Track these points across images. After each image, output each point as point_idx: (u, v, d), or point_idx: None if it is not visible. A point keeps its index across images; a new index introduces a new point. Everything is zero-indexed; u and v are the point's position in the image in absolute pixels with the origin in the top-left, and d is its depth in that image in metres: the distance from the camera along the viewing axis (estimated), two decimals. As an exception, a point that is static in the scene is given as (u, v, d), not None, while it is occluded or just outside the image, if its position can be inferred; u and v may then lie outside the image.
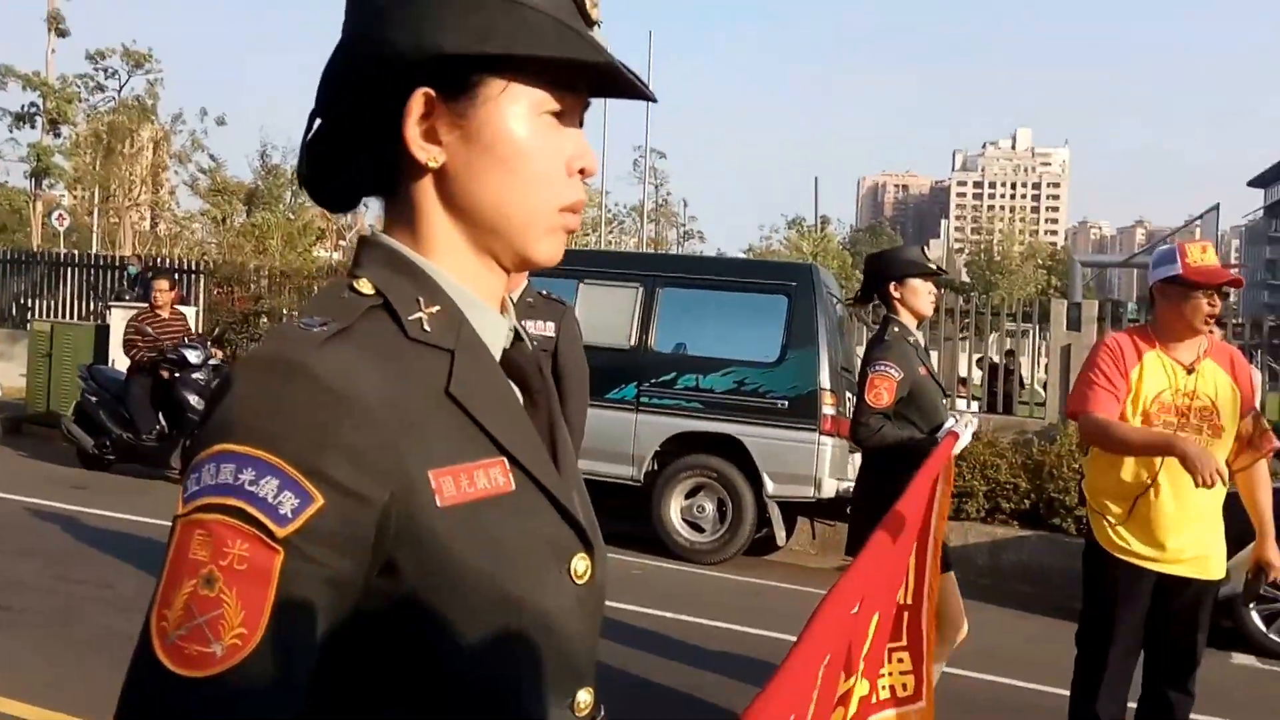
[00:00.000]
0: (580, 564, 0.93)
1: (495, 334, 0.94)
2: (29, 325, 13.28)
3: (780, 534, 8.19)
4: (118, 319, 11.67)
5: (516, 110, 0.90)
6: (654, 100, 0.96)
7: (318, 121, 0.94)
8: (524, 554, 0.88)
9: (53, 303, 16.50)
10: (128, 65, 34.43)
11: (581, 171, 0.94)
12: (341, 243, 30.37)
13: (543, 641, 0.89)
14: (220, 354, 10.09)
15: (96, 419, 9.56)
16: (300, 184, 1.00)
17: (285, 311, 13.25)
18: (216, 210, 31.72)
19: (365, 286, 0.89)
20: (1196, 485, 3.12)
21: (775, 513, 8.08)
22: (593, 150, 0.96)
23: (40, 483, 8.75)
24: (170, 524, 0.79)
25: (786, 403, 7.96)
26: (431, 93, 0.88)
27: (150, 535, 7.14)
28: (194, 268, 15.36)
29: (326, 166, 0.95)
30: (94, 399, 9.65)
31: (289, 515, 0.76)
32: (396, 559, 0.81)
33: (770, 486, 7.95)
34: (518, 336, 0.98)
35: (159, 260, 17.16)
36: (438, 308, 0.89)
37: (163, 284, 9.84)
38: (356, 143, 0.93)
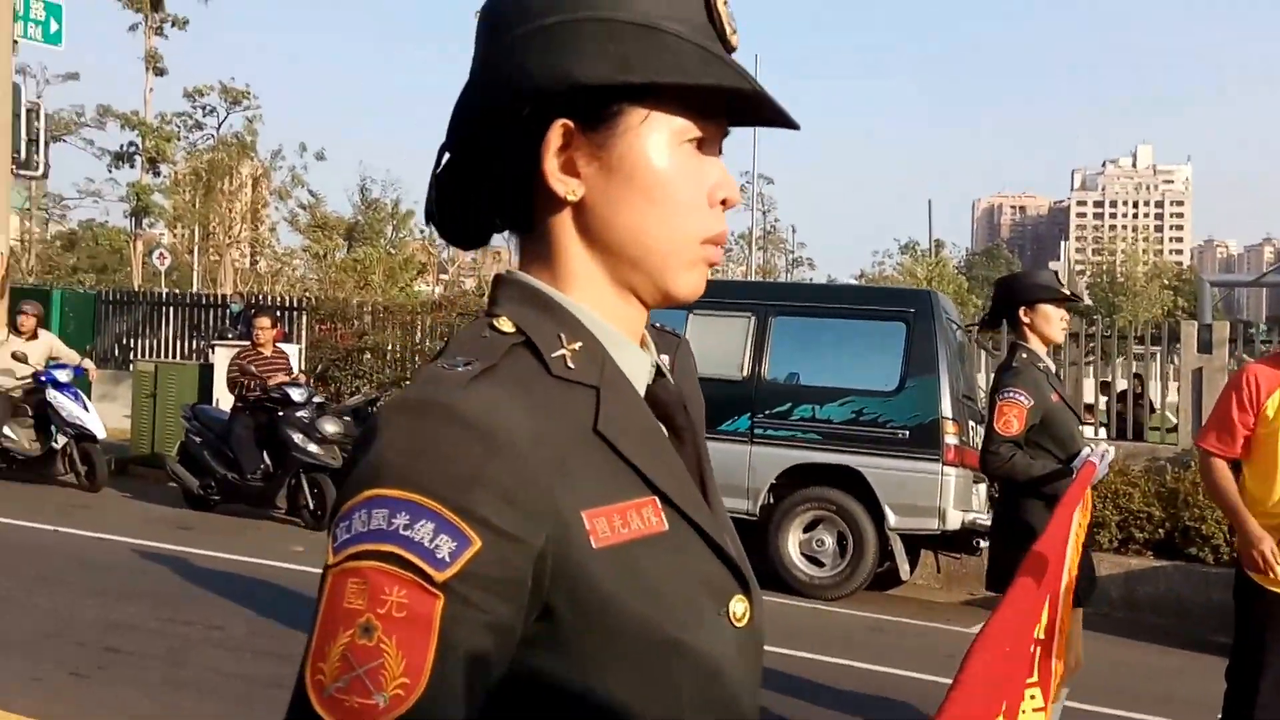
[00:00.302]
0: (738, 606, 0.92)
1: (638, 370, 0.94)
2: (132, 365, 13.70)
3: (904, 568, 8.13)
4: (221, 358, 11.97)
5: (658, 140, 0.90)
6: (797, 127, 0.95)
7: (446, 156, 0.95)
8: (681, 596, 0.87)
9: (154, 342, 17.04)
10: (226, 102, 35.83)
11: (724, 202, 0.94)
12: (443, 276, 30.92)
13: (706, 688, 0.87)
14: (323, 391, 10.25)
15: (201, 459, 9.78)
16: (428, 220, 0.99)
17: (389, 347, 13.44)
18: (317, 246, 32.64)
19: (505, 325, 0.89)
20: (1245, 568, 3.44)
21: (898, 546, 8.00)
22: (734, 180, 0.96)
23: (146, 524, 8.96)
24: (320, 574, 0.79)
25: (907, 432, 7.89)
26: (570, 124, 0.88)
27: (257, 576, 7.24)
28: (296, 305, 15.73)
29: (456, 202, 0.96)
30: (198, 439, 9.86)
31: (447, 559, 0.75)
32: (553, 603, 0.81)
33: (892, 519, 7.87)
34: (659, 372, 0.98)
35: (261, 298, 17.62)
36: (579, 344, 0.89)
37: (264, 322, 10.04)
38: (489, 177, 0.93)
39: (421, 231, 34.62)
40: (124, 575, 7.16)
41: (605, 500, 0.84)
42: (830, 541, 8.03)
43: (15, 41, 13.39)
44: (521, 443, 0.80)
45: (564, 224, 0.91)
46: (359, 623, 0.74)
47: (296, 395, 9.44)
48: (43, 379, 10.53)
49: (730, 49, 0.92)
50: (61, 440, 10.59)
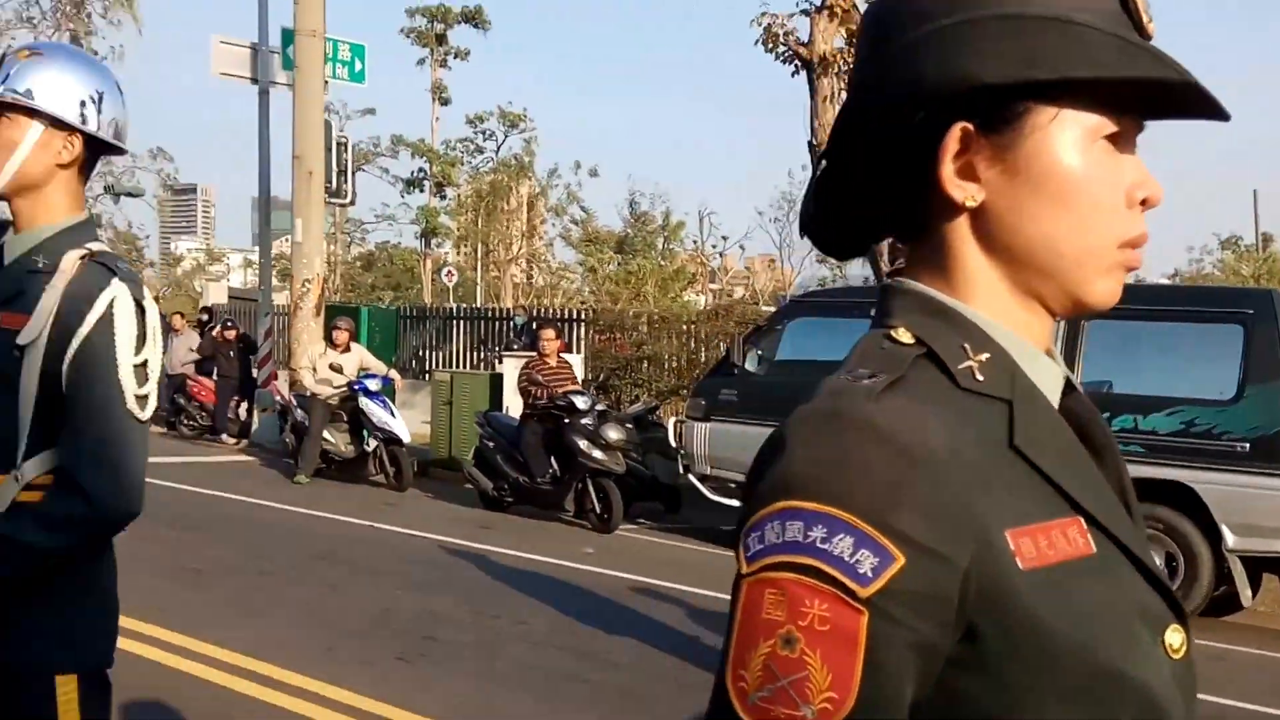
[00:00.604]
0: (1174, 637, 0.88)
1: (1049, 382, 0.90)
2: (429, 375, 14.85)
3: (1245, 593, 7.47)
4: (510, 368, 12.80)
5: (1069, 138, 0.86)
6: (1228, 118, 0.89)
7: (823, 165, 0.95)
8: (1116, 624, 0.84)
9: (443, 354, 18.36)
10: (504, 126, 37.90)
11: (1144, 202, 0.89)
12: (712, 285, 31.49)
13: None
14: (604, 400, 10.78)
15: (494, 463, 10.50)
16: (801, 231, 1.00)
17: (666, 357, 13.90)
18: (591, 260, 34.07)
19: (904, 336, 0.87)
20: None
21: (1238, 568, 7.37)
22: (1155, 178, 0.90)
23: (449, 522, 9.73)
24: (733, 584, 0.81)
25: (1248, 445, 7.27)
26: (970, 127, 0.86)
27: (554, 575, 7.74)
28: (576, 317, 16.53)
29: (835, 211, 0.96)
30: (491, 444, 10.60)
31: (869, 575, 0.75)
32: (978, 625, 0.79)
33: (1230, 540, 7.28)
34: (1069, 385, 0.94)
35: (541, 311, 18.63)
36: (986, 355, 0.86)
37: (549, 333, 10.68)
38: (876, 185, 0.92)
39: (694, 242, 35.47)
40: (435, 569, 7.83)
41: (1028, 519, 0.81)
42: (1158, 562, 7.61)
43: (325, 82, 14.84)
44: (939, 456, 0.79)
45: (961, 231, 0.89)
46: (780, 634, 0.75)
47: (581, 403, 9.97)
48: (355, 388, 11.65)
49: (1147, 36, 0.87)
50: (373, 444, 11.71)
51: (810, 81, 11.54)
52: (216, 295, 25.06)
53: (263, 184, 15.52)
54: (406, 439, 11.66)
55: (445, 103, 37.72)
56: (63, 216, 2.07)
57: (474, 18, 35.73)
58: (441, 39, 36.42)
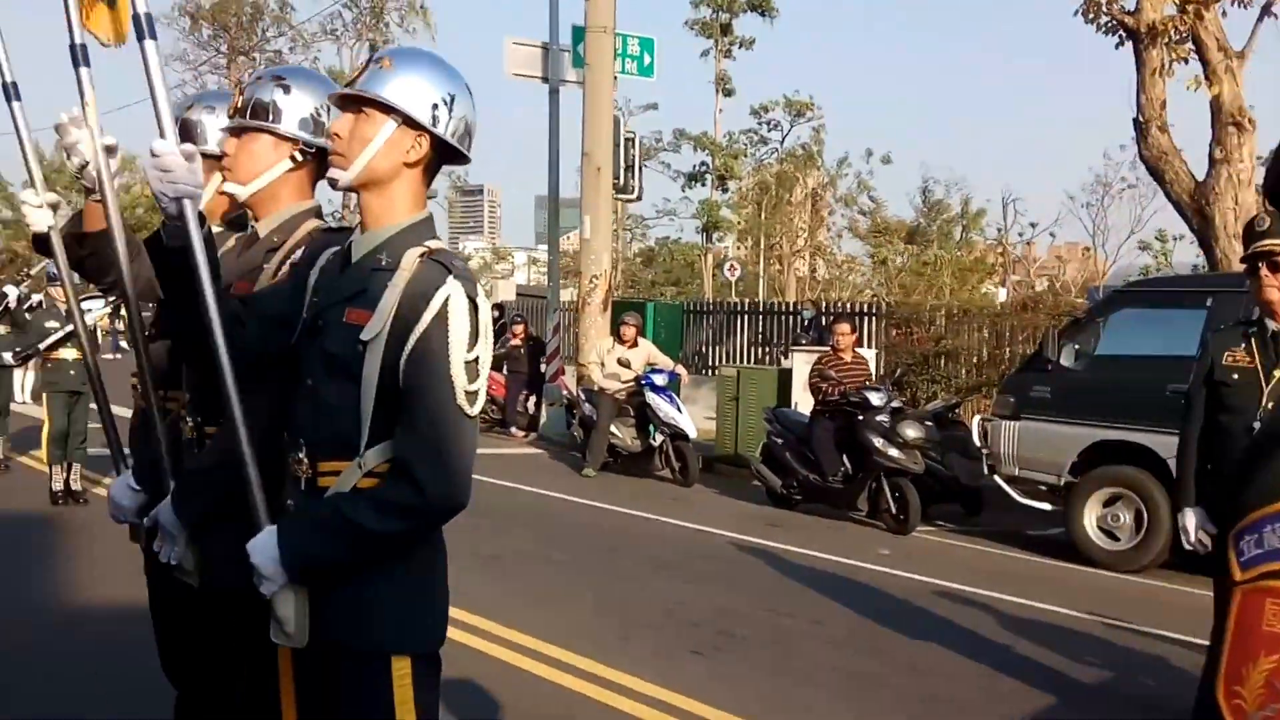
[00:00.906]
0: None
1: None
2: (713, 371, 14.98)
3: None
4: (799, 362, 12.72)
5: None
6: None
7: None
8: None
9: (727, 350, 18.49)
10: (789, 116, 37.78)
11: None
12: (1012, 277, 30.20)
13: None
14: (900, 396, 10.51)
15: (783, 460, 10.45)
16: (1267, 194, 0.95)
17: (967, 352, 13.44)
18: (882, 251, 33.50)
19: None
20: None
21: None
22: None
23: (736, 519, 9.76)
24: (1229, 589, 0.76)
25: None
26: None
27: (848, 576, 7.62)
28: (870, 310, 16.24)
29: None
30: (779, 441, 10.56)
31: None
32: None
33: None
34: None
35: (831, 305, 18.44)
36: None
37: (844, 328, 10.51)
38: None
39: (998, 229, 34.15)
40: (725, 565, 7.88)
41: None
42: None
43: (615, 77, 15.25)
44: None
45: None
46: None
47: (876, 399, 9.76)
48: (642, 383, 11.91)
49: None
50: (659, 439, 11.93)
51: (1137, 53, 10.86)
52: (505, 293, 26.32)
53: (552, 182, 16.15)
54: (693, 434, 11.82)
55: (729, 94, 37.99)
56: (406, 215, 2.22)
57: (761, 5, 35.70)
58: (726, 29, 36.69)
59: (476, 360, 2.07)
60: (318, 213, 2.68)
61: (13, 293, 11.90)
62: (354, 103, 2.17)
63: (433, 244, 2.16)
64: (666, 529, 9.26)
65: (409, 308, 2.06)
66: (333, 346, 2.13)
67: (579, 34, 15.12)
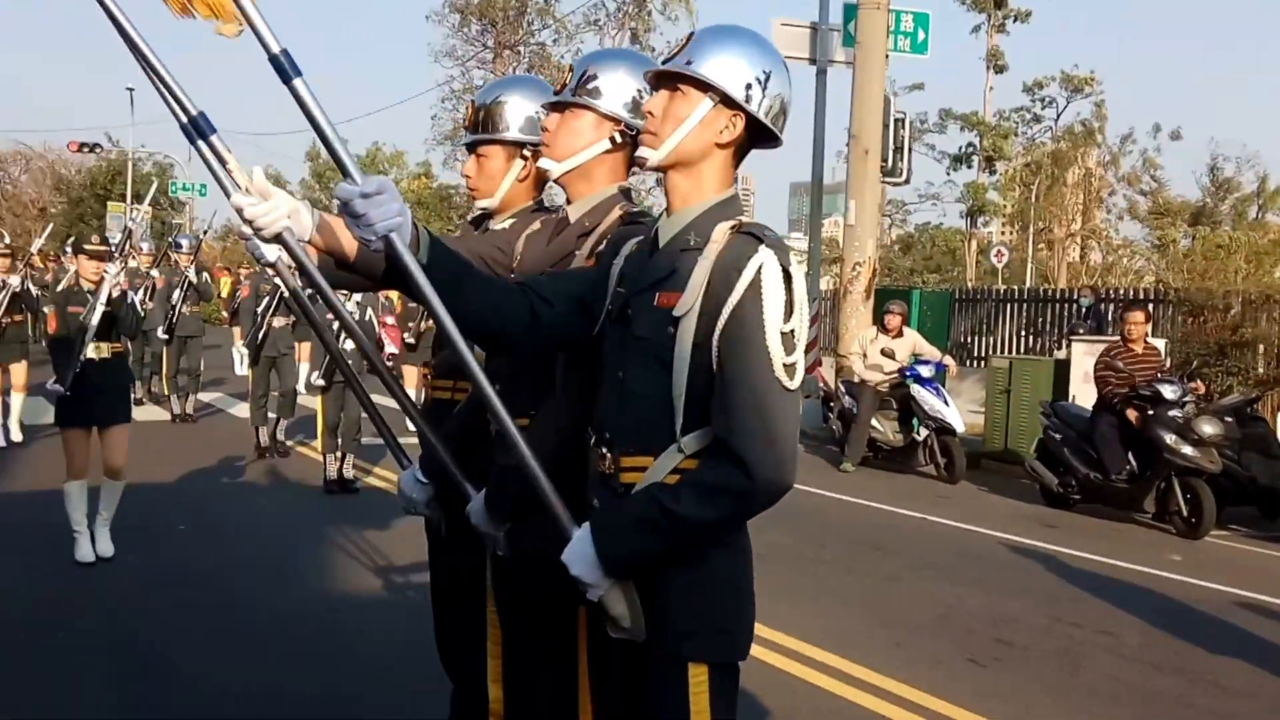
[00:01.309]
0: None
1: None
2: (981, 362, 14.33)
3: None
4: (1077, 353, 12.00)
5: None
6: None
7: None
8: None
9: (995, 339, 17.69)
10: (1066, 91, 35.92)
11: None
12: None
13: None
14: (1200, 389, 9.73)
15: (1060, 457, 9.87)
16: None
17: (1269, 341, 12.35)
18: (1168, 234, 31.42)
19: None
20: None
21: None
22: None
23: (1008, 518, 9.30)
24: None
25: None
26: None
27: (1136, 583, 7.12)
28: (1157, 296, 15.19)
29: None
30: (1057, 436, 9.97)
31: None
32: None
33: None
34: None
35: (1111, 292, 17.37)
36: None
37: (1137, 316, 9.82)
38: None
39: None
40: (999, 567, 7.50)
41: None
42: None
43: (886, 56, 14.80)
44: None
45: None
46: None
47: (1169, 393, 9.06)
48: (907, 375, 11.50)
49: None
50: (923, 433, 11.48)
51: None
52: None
53: (816, 167, 15.84)
54: (960, 428, 11.33)
55: (1000, 70, 36.47)
56: (713, 194, 2.15)
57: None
58: (1000, 2, 35.23)
59: (793, 332, 1.98)
60: (626, 195, 2.65)
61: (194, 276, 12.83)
62: (669, 80, 2.13)
63: (743, 218, 2.10)
64: (934, 528, 8.90)
65: (720, 281, 1.99)
66: (642, 331, 2.09)
67: (850, 11, 14.75)
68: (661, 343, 2.04)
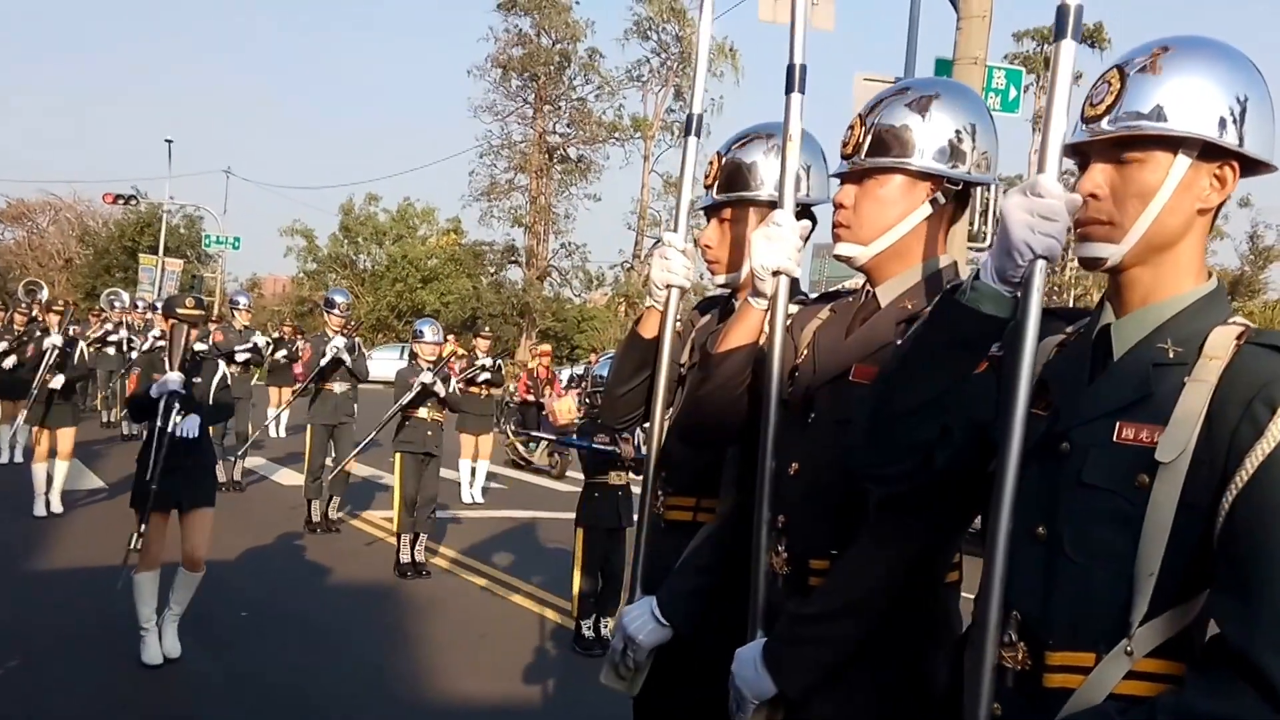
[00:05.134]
0: None
1: None
2: None
3: None
4: None
5: None
6: None
7: None
8: None
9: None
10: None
11: None
12: None
13: None
14: None
15: None
16: None
17: None
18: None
19: None
20: None
21: None
22: None
23: None
24: None
25: None
26: None
27: None
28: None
29: None
30: None
31: None
32: None
33: None
34: None
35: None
36: None
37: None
38: None
39: None
40: None
41: None
42: None
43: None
44: None
45: None
46: None
47: None
48: None
49: None
50: None
51: None
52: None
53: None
54: None
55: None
56: (1191, 284, 1.57)
57: (1093, 37, 33.81)
58: (1049, 63, 35.05)
59: None
60: (954, 270, 2.05)
61: (261, 340, 12.75)
62: (1107, 153, 1.58)
63: (1245, 322, 1.51)
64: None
65: (1230, 415, 1.41)
66: (1095, 477, 1.50)
67: (944, 67, 14.27)
68: (1126, 496, 1.46)
